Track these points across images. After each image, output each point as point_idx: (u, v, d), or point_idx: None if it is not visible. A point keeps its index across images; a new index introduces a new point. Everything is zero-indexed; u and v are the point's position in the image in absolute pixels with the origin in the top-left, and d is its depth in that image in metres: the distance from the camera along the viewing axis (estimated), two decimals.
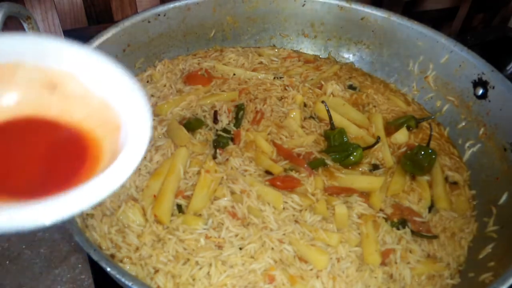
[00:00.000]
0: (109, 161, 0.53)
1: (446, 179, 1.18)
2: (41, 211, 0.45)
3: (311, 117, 1.27)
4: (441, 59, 1.33)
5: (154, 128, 1.16)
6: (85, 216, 0.99)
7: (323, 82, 1.35)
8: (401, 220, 1.05)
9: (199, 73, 1.35)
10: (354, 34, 1.48)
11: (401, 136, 1.24)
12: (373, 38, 1.45)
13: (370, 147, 1.17)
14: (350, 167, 1.14)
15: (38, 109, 0.59)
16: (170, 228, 0.97)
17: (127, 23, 1.24)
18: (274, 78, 1.37)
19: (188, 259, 0.93)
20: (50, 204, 0.46)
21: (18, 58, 0.58)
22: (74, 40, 0.60)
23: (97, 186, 0.49)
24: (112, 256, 0.94)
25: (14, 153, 0.56)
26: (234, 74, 1.37)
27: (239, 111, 1.23)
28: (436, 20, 1.96)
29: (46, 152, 0.57)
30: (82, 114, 0.60)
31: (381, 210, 1.06)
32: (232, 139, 1.16)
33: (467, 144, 1.26)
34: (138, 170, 1.06)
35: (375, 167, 1.16)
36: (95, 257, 0.79)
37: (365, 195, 1.09)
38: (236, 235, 0.96)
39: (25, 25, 1.02)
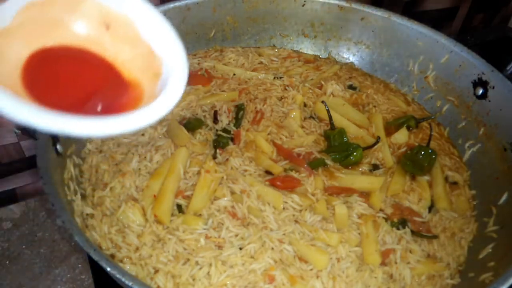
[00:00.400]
0: (146, 102, 0.59)
1: (446, 179, 1.18)
2: (85, 125, 0.52)
3: (311, 117, 1.27)
4: (441, 59, 1.33)
5: (154, 128, 1.16)
6: (85, 216, 0.99)
7: (323, 82, 1.35)
8: (401, 220, 1.05)
9: (199, 73, 1.35)
10: (354, 34, 1.48)
11: (401, 136, 1.24)
12: (373, 38, 1.45)
13: (370, 147, 1.17)
14: (350, 167, 1.14)
15: (91, 43, 0.64)
16: (170, 228, 0.97)
17: None
18: (274, 78, 1.37)
19: (188, 259, 0.93)
20: (93, 121, 0.53)
21: None
22: None
23: (135, 117, 0.55)
24: (112, 256, 0.94)
25: (65, 74, 0.61)
26: (234, 74, 1.37)
27: (239, 111, 1.23)
28: (436, 20, 1.96)
29: (91, 82, 0.62)
30: (128, 56, 0.64)
31: (381, 210, 1.06)
32: (232, 139, 1.16)
33: (467, 144, 1.26)
34: (138, 170, 1.06)
35: (375, 167, 1.16)
36: (95, 257, 0.79)
37: (365, 195, 1.09)
38: (236, 235, 0.96)
39: None
